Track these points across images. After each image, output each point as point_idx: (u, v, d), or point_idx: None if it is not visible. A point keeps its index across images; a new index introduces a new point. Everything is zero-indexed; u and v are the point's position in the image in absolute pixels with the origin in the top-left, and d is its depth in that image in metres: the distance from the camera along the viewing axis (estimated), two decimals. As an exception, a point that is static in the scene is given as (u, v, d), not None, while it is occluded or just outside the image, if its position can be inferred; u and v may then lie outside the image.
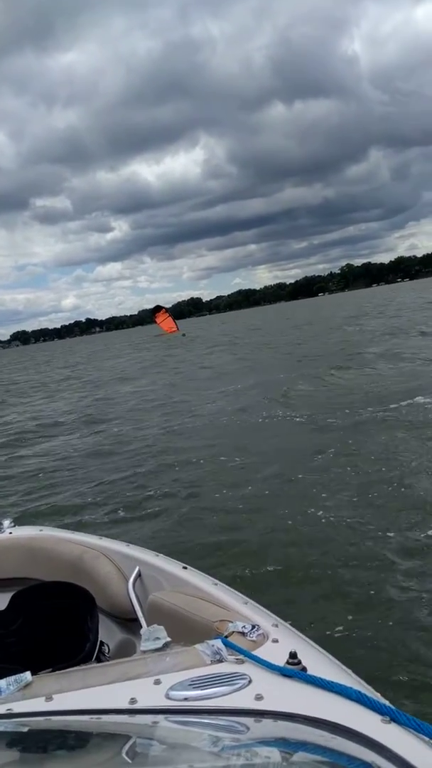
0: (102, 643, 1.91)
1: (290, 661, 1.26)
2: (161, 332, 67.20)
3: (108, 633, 2.06)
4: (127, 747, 1.10)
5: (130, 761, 1.03)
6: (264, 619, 1.57)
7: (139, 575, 2.14)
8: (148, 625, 1.88)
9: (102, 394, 16.21)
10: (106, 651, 1.93)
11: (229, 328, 56.16)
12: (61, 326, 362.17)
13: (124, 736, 1.14)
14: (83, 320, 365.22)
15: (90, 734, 1.17)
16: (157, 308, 74.14)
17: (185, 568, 2.04)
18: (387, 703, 1.11)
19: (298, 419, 8.91)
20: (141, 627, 1.95)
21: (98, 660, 1.83)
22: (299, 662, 1.25)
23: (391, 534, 4.42)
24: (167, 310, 74.81)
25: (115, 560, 2.23)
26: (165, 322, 70.08)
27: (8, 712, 1.19)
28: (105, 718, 1.16)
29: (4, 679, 1.29)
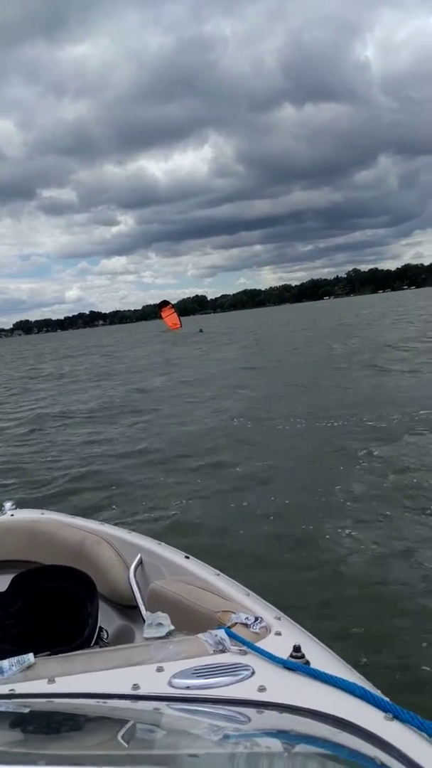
0: (101, 629, 1.91)
1: (294, 654, 1.25)
2: (166, 328, 66.50)
3: (107, 619, 2.05)
4: (128, 732, 1.10)
5: (130, 746, 1.03)
6: (267, 611, 1.56)
7: (140, 563, 2.13)
8: (148, 613, 1.89)
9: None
10: (105, 636, 1.93)
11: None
12: (65, 317, 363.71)
13: (125, 721, 1.14)
14: (87, 312, 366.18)
15: (92, 718, 1.17)
16: (164, 303, 72.84)
17: (187, 557, 2.02)
18: (389, 700, 1.11)
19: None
20: (141, 614, 1.95)
21: (97, 645, 1.83)
22: (303, 656, 1.25)
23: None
24: (173, 306, 74.23)
25: (117, 546, 2.22)
26: (170, 317, 68.67)
27: (11, 692, 1.19)
28: (107, 702, 1.16)
29: (7, 660, 1.29)
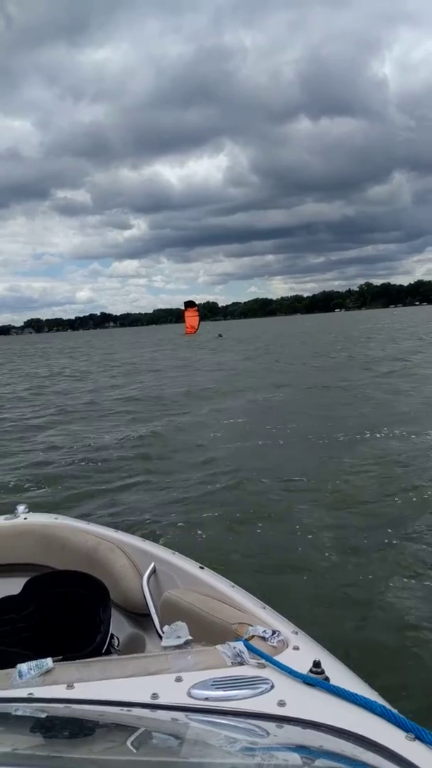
0: (112, 636, 1.90)
1: (313, 669, 1.24)
2: (184, 332, 65.77)
3: (118, 627, 2.04)
4: (147, 741, 1.10)
5: (149, 755, 1.03)
6: (283, 625, 1.55)
7: (153, 571, 2.12)
8: (161, 622, 1.89)
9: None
10: (116, 644, 1.92)
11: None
12: (75, 318, 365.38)
13: (144, 729, 1.14)
14: (98, 314, 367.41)
15: (111, 725, 1.17)
16: (190, 303, 71.28)
17: (202, 567, 2.01)
18: (411, 720, 1.10)
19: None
20: (153, 623, 1.95)
21: (108, 653, 1.83)
22: (322, 671, 1.24)
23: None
24: (198, 308, 72.22)
25: (130, 554, 2.22)
26: (191, 319, 68.02)
27: (29, 696, 1.19)
28: (127, 710, 1.16)
29: (25, 664, 1.29)
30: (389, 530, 4.82)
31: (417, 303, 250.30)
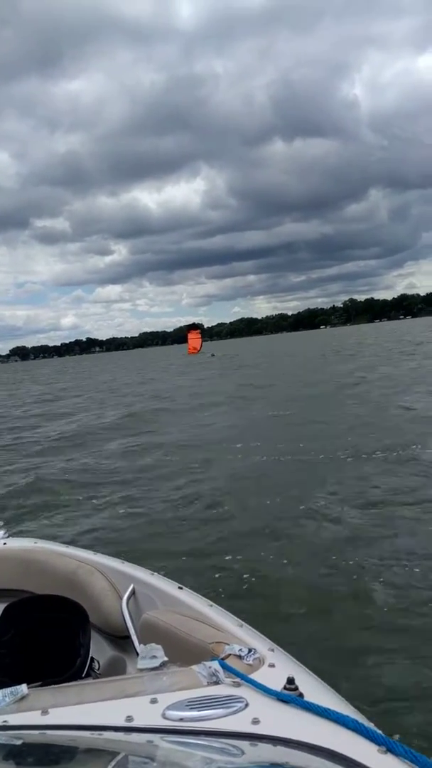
0: (93, 660, 1.90)
1: (287, 686, 1.25)
2: (185, 352, 70.86)
3: (99, 650, 2.04)
4: (122, 764, 1.10)
5: None
6: (260, 643, 1.56)
7: (133, 593, 2.13)
8: (141, 644, 1.88)
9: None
10: (97, 667, 1.91)
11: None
12: (61, 344, 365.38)
13: (119, 753, 1.14)
14: (84, 339, 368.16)
15: (86, 750, 1.17)
16: (194, 326, 79.24)
17: (180, 588, 2.02)
18: (383, 733, 1.11)
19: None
20: (133, 645, 1.95)
21: (89, 676, 1.82)
22: (296, 688, 1.25)
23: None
24: (201, 331, 79.19)
25: (110, 576, 2.22)
26: (194, 341, 74.13)
27: (4, 724, 1.19)
28: (101, 734, 1.16)
29: (0, 691, 1.29)
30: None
31: (401, 317, 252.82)
